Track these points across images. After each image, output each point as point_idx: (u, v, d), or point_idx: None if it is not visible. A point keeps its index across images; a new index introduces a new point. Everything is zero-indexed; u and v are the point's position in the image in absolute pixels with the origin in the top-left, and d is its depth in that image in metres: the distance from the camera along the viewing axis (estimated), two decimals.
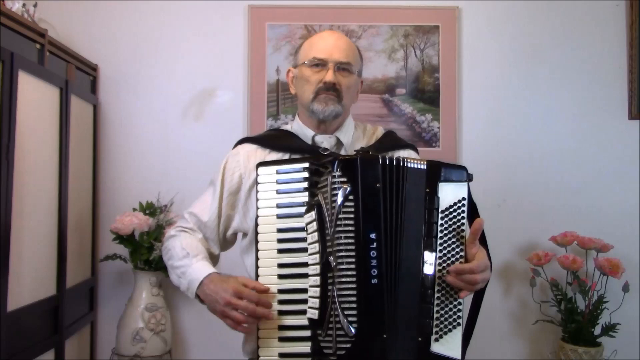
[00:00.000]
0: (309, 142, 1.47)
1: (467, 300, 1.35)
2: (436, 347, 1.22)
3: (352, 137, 1.51)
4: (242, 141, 1.53)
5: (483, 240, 1.33)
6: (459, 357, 1.24)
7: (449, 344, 1.23)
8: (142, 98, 2.47)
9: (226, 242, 1.52)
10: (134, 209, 2.29)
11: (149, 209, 2.30)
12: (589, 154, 2.49)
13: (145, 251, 2.20)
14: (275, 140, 1.51)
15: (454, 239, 1.25)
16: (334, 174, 1.22)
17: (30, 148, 1.74)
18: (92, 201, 2.38)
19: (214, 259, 1.50)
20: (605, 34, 2.49)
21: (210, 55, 2.48)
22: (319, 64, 1.42)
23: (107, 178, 2.46)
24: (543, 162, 2.49)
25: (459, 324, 1.25)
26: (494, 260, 2.47)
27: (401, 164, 1.25)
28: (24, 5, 1.90)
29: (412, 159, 1.28)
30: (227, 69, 2.47)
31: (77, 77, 2.24)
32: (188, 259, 1.39)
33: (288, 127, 1.56)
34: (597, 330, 2.21)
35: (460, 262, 1.25)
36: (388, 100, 2.50)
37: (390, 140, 1.53)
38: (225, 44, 2.48)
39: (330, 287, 1.19)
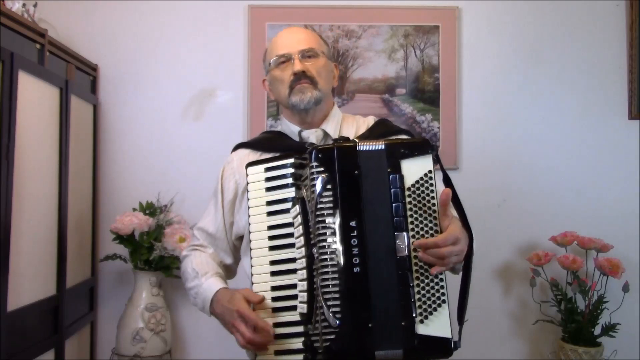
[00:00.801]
0: (297, 139, 1.48)
1: (456, 278, 1.33)
2: (422, 329, 1.17)
3: (341, 128, 1.50)
4: (236, 147, 1.55)
5: (461, 212, 1.29)
6: (449, 336, 1.18)
7: (435, 324, 1.18)
8: (142, 98, 2.47)
9: (237, 250, 1.53)
10: (134, 209, 2.29)
11: (149, 209, 2.29)
12: (589, 154, 2.49)
13: (145, 251, 2.20)
14: (267, 142, 1.52)
15: (425, 215, 1.21)
16: (311, 164, 1.21)
17: (30, 148, 1.74)
18: (92, 201, 2.38)
19: (228, 270, 1.53)
20: (605, 34, 2.50)
21: (210, 55, 2.48)
22: (284, 60, 1.44)
23: (107, 178, 2.46)
24: (543, 162, 2.49)
25: (443, 302, 1.19)
26: (494, 260, 2.49)
27: (372, 148, 1.22)
28: (24, 5, 1.90)
29: (367, 141, 1.25)
30: (227, 69, 2.47)
31: (77, 77, 2.24)
32: (198, 279, 1.41)
33: (279, 129, 1.58)
34: (597, 330, 2.21)
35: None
36: (388, 100, 2.50)
37: (382, 128, 1.51)
38: (225, 44, 2.48)
39: (315, 280, 1.18)
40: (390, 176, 1.21)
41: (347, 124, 1.53)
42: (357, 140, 1.25)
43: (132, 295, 2.26)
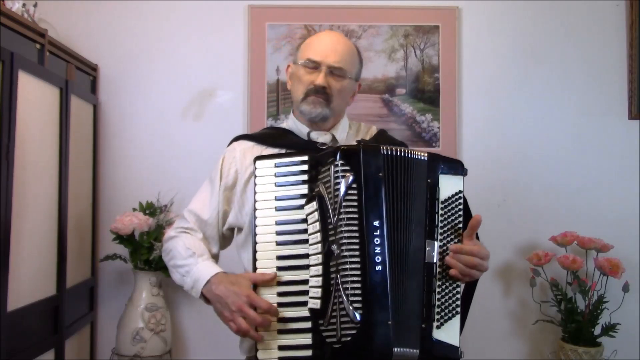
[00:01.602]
0: (305, 138, 1.48)
1: None
2: (438, 334, 1.23)
3: (347, 135, 1.53)
4: (237, 138, 1.54)
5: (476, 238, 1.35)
6: (458, 345, 1.25)
7: (449, 331, 1.24)
8: (142, 98, 2.47)
9: (224, 239, 1.52)
10: (134, 209, 2.29)
11: (149, 209, 2.30)
12: (589, 154, 2.49)
13: (145, 251, 2.20)
14: (272, 137, 1.52)
15: (452, 230, 1.28)
16: (336, 162, 1.22)
17: (30, 148, 1.74)
18: (92, 201, 2.38)
19: (213, 259, 1.50)
20: (605, 34, 2.49)
21: (210, 55, 2.48)
22: (313, 65, 1.43)
23: (107, 178, 2.46)
24: (543, 162, 2.49)
25: (458, 312, 1.26)
26: (494, 260, 2.49)
27: (404, 154, 1.26)
28: (24, 5, 1.90)
29: (413, 149, 1.30)
30: (227, 69, 2.47)
31: (77, 77, 2.24)
32: (193, 258, 1.39)
33: (284, 125, 1.57)
34: (597, 330, 2.21)
35: None
36: (388, 100, 2.50)
37: (384, 139, 1.55)
38: (225, 44, 2.48)
39: (333, 276, 1.19)
40: (429, 187, 1.27)
41: (352, 130, 1.56)
42: (382, 145, 1.27)
43: (132, 295, 2.26)
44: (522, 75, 2.50)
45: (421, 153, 1.29)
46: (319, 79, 1.41)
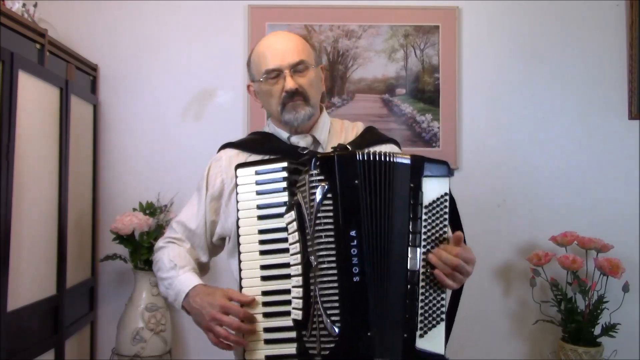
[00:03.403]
0: (287, 142, 1.46)
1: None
2: (421, 343, 1.19)
3: (330, 133, 1.49)
4: (224, 146, 1.53)
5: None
6: (442, 353, 1.21)
7: (433, 339, 1.20)
8: (142, 98, 2.47)
9: (215, 248, 1.52)
10: (134, 209, 2.29)
11: (149, 209, 2.29)
12: (589, 154, 2.49)
13: (145, 251, 2.20)
14: (256, 143, 1.50)
15: (437, 234, 1.23)
16: (311, 172, 1.20)
17: (30, 148, 1.74)
18: (92, 201, 2.38)
19: (203, 267, 1.51)
20: (605, 34, 2.50)
21: (210, 55, 2.48)
22: (275, 75, 1.39)
23: (107, 178, 2.46)
24: (543, 162, 2.49)
25: (442, 319, 1.22)
26: (494, 260, 2.49)
27: (384, 159, 1.22)
28: (24, 5, 1.90)
29: (395, 152, 1.27)
30: (227, 69, 2.47)
31: (77, 77, 2.24)
32: (175, 271, 1.39)
33: (266, 129, 1.55)
34: (597, 330, 2.21)
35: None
36: (388, 100, 2.50)
37: (371, 136, 1.51)
38: (225, 44, 2.48)
39: (312, 287, 1.18)
40: (412, 191, 1.22)
41: (335, 129, 1.51)
42: (357, 151, 1.24)
43: (132, 295, 2.26)
44: (522, 75, 2.50)
45: (403, 156, 1.25)
46: (288, 83, 1.37)
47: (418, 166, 1.24)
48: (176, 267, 1.39)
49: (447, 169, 1.26)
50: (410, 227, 1.21)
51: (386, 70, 2.50)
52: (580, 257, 2.22)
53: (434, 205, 1.24)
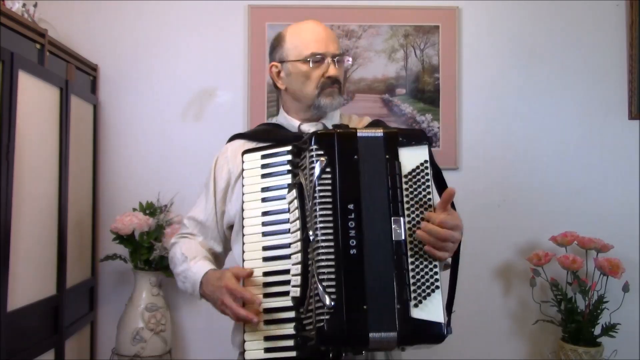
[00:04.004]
0: (295, 131, 1.48)
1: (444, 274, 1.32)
2: (416, 313, 1.17)
3: (339, 123, 1.51)
4: (231, 138, 1.55)
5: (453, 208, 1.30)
6: (442, 320, 1.18)
7: (428, 308, 1.18)
8: (142, 98, 2.47)
9: (227, 240, 1.53)
10: (134, 209, 2.29)
11: (149, 209, 2.30)
12: (589, 154, 2.49)
13: (145, 251, 2.20)
14: (263, 133, 1.52)
15: (421, 202, 1.22)
16: (311, 147, 1.21)
17: (30, 148, 1.74)
18: (92, 201, 2.38)
19: (218, 258, 1.52)
20: (605, 34, 2.50)
21: (210, 55, 2.48)
22: (319, 58, 1.41)
23: (107, 178, 2.46)
24: (543, 162, 2.49)
25: (437, 287, 1.19)
26: (494, 260, 2.49)
27: (367, 135, 1.24)
28: (24, 5, 1.90)
29: (367, 128, 1.29)
30: (227, 69, 2.47)
31: (77, 77, 2.24)
32: (186, 263, 1.41)
33: (274, 121, 1.57)
34: (597, 330, 2.21)
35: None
36: (388, 100, 2.50)
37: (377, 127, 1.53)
38: (225, 44, 2.48)
39: (310, 262, 1.18)
40: (388, 162, 1.23)
41: (344, 121, 1.54)
42: (357, 128, 1.26)
43: (132, 295, 2.26)
44: (522, 75, 2.50)
45: (376, 130, 1.25)
46: (331, 70, 1.41)
47: (391, 137, 1.24)
48: (187, 260, 1.41)
49: (422, 136, 1.26)
50: (391, 197, 1.21)
51: (386, 70, 2.50)
52: (580, 257, 2.22)
53: (414, 174, 1.23)
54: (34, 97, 1.79)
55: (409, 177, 1.23)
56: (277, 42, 1.50)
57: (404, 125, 2.48)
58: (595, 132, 2.49)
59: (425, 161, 1.24)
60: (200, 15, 2.48)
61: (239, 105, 2.47)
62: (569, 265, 2.21)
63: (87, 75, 2.39)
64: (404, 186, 1.22)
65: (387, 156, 1.23)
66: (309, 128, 1.46)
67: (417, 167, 1.23)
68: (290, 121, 1.49)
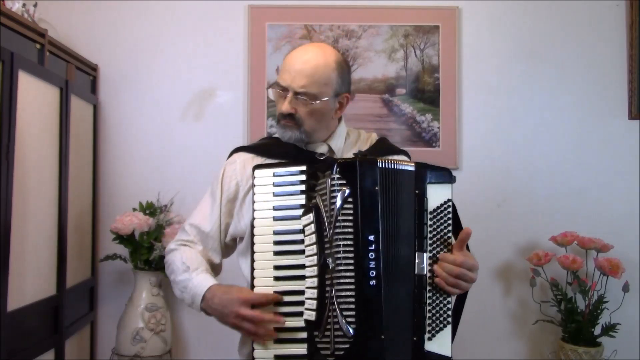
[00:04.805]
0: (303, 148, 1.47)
1: None
2: (429, 346, 1.24)
3: (345, 143, 1.51)
4: (237, 150, 1.53)
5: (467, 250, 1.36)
6: (449, 355, 1.26)
7: (440, 342, 1.25)
8: (142, 98, 2.47)
9: (227, 249, 1.53)
10: (134, 209, 2.29)
11: (149, 209, 2.30)
12: (589, 154, 2.49)
13: (145, 251, 2.20)
14: (271, 147, 1.50)
15: (442, 239, 1.28)
16: (333, 176, 1.22)
17: (30, 148, 1.74)
18: (92, 201, 2.38)
19: (215, 268, 1.51)
20: (605, 34, 2.50)
21: (210, 55, 2.48)
22: (281, 89, 1.40)
23: (107, 178, 2.46)
24: (543, 162, 2.49)
25: (449, 322, 1.27)
26: (494, 260, 2.49)
27: (397, 167, 1.27)
28: (24, 5, 1.90)
29: (400, 160, 1.30)
30: (227, 69, 2.47)
31: (77, 77, 2.24)
32: (188, 273, 1.40)
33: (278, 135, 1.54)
34: (597, 330, 2.21)
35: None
36: (388, 100, 2.50)
37: (384, 146, 1.54)
38: (225, 44, 2.48)
39: (328, 289, 1.20)
40: (417, 198, 1.27)
41: (351, 140, 1.53)
42: (379, 158, 1.27)
43: (132, 295, 2.26)
44: (522, 75, 2.50)
45: (409, 164, 1.29)
46: (284, 106, 1.39)
47: (422, 173, 1.28)
48: (189, 270, 1.40)
49: (450, 176, 1.31)
50: (417, 232, 1.26)
51: (386, 70, 2.50)
52: (580, 257, 2.22)
53: (438, 211, 1.28)
54: (34, 97, 1.79)
55: (434, 213, 1.28)
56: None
57: (404, 126, 2.48)
58: (595, 132, 2.49)
59: (449, 199, 1.30)
60: (200, 15, 2.48)
61: (239, 105, 2.47)
62: (569, 265, 2.21)
63: (87, 75, 2.39)
64: (429, 222, 1.27)
65: (416, 191, 1.27)
66: (313, 148, 1.45)
67: (441, 205, 1.29)
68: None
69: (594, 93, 2.49)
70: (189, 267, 1.40)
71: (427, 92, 2.50)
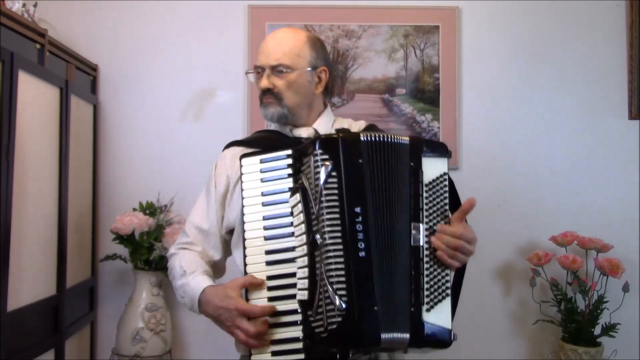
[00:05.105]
0: (292, 136, 1.49)
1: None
2: (428, 317, 1.22)
3: (332, 128, 1.51)
4: (228, 145, 1.55)
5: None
6: (449, 327, 1.23)
7: (439, 314, 1.23)
8: (142, 98, 2.47)
9: (227, 244, 1.53)
10: (134, 209, 2.29)
11: (149, 209, 2.30)
12: (589, 154, 2.49)
13: (145, 251, 2.20)
14: (261, 140, 1.52)
15: (438, 212, 1.27)
16: (315, 152, 1.22)
17: (30, 148, 1.74)
18: (92, 201, 2.38)
19: (217, 266, 1.52)
20: (605, 34, 2.50)
21: (210, 56, 2.48)
22: (258, 71, 1.46)
23: (107, 178, 2.46)
24: (543, 162, 2.49)
25: (448, 294, 1.25)
26: (494, 260, 2.49)
27: (385, 139, 1.26)
28: (24, 5, 1.90)
29: (393, 134, 1.29)
30: (227, 69, 2.47)
31: (77, 77, 2.24)
32: (185, 278, 1.41)
33: (272, 127, 1.57)
34: (597, 330, 2.21)
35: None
36: (388, 100, 2.50)
37: (373, 131, 1.53)
38: (225, 44, 2.48)
39: (318, 265, 1.19)
40: (412, 170, 1.26)
41: (337, 124, 1.54)
42: (362, 133, 1.27)
43: (132, 295, 2.26)
44: (522, 75, 2.50)
45: (403, 137, 1.28)
46: (262, 82, 1.44)
47: (417, 146, 1.28)
48: (186, 274, 1.41)
49: (445, 150, 1.31)
50: (412, 204, 1.25)
51: (386, 70, 2.50)
52: (580, 257, 2.22)
53: (434, 183, 1.28)
54: (34, 97, 1.79)
55: (429, 186, 1.27)
56: None
57: (404, 126, 2.48)
58: (595, 132, 2.49)
59: (445, 173, 1.29)
60: (200, 15, 2.48)
61: (239, 105, 2.47)
62: (569, 265, 2.21)
63: (87, 75, 2.39)
64: (425, 194, 1.26)
65: (411, 163, 1.27)
66: (299, 133, 1.47)
67: (437, 178, 1.28)
68: (284, 128, 1.51)
69: (594, 93, 2.49)
70: (185, 271, 1.41)
71: (427, 92, 2.50)
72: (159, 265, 2.23)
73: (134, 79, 2.47)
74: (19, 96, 1.65)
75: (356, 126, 1.56)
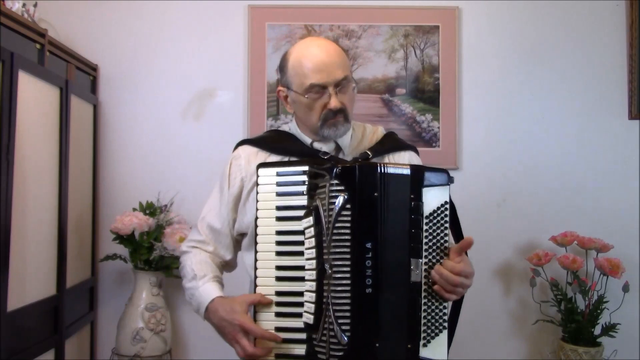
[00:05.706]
0: (309, 145, 1.45)
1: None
2: (424, 352, 1.23)
3: (352, 138, 1.48)
4: (242, 143, 1.52)
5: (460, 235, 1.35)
6: (445, 359, 1.26)
7: (435, 348, 1.24)
8: (142, 98, 2.47)
9: (238, 244, 1.53)
10: (134, 209, 2.29)
11: (149, 209, 2.30)
12: (589, 154, 2.49)
13: (145, 251, 2.20)
14: (276, 142, 1.49)
15: (438, 244, 1.26)
16: (332, 182, 1.22)
17: (30, 148, 1.74)
18: (92, 201, 2.38)
19: (228, 265, 1.52)
20: (605, 34, 2.50)
21: (210, 55, 2.48)
22: (319, 90, 1.35)
23: (107, 178, 2.46)
24: (543, 162, 2.49)
25: (445, 328, 1.26)
26: (494, 260, 2.49)
27: (391, 171, 1.23)
28: (24, 5, 1.90)
29: (394, 163, 1.28)
30: (227, 69, 2.47)
31: (77, 77, 2.24)
32: (195, 281, 1.41)
33: (286, 128, 1.54)
34: (597, 330, 2.22)
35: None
36: (388, 100, 2.50)
37: (390, 142, 1.51)
38: (225, 44, 2.48)
39: (325, 294, 1.20)
40: (412, 203, 1.23)
41: (357, 135, 1.50)
42: (379, 163, 1.25)
43: (132, 295, 2.26)
44: (522, 75, 2.50)
45: (404, 167, 1.25)
46: (332, 102, 1.34)
47: (418, 176, 1.24)
48: (196, 278, 1.41)
49: (447, 177, 1.27)
50: (412, 238, 1.23)
51: (386, 70, 2.50)
52: (580, 257, 2.22)
53: (435, 215, 1.25)
54: (34, 97, 1.79)
55: (430, 217, 1.25)
56: (282, 65, 1.43)
57: (404, 126, 2.48)
58: (595, 132, 2.49)
59: (446, 202, 1.26)
60: (200, 15, 2.48)
61: (239, 105, 2.47)
62: (569, 265, 2.21)
63: (87, 75, 2.39)
64: (424, 227, 1.24)
65: (411, 196, 1.24)
66: (320, 146, 1.43)
67: (438, 209, 1.26)
68: (303, 136, 1.46)
69: (594, 93, 2.49)
70: (196, 274, 1.41)
71: (427, 92, 2.50)
72: (159, 265, 2.23)
73: (134, 79, 2.47)
74: (19, 96, 1.65)
75: (373, 135, 1.51)
